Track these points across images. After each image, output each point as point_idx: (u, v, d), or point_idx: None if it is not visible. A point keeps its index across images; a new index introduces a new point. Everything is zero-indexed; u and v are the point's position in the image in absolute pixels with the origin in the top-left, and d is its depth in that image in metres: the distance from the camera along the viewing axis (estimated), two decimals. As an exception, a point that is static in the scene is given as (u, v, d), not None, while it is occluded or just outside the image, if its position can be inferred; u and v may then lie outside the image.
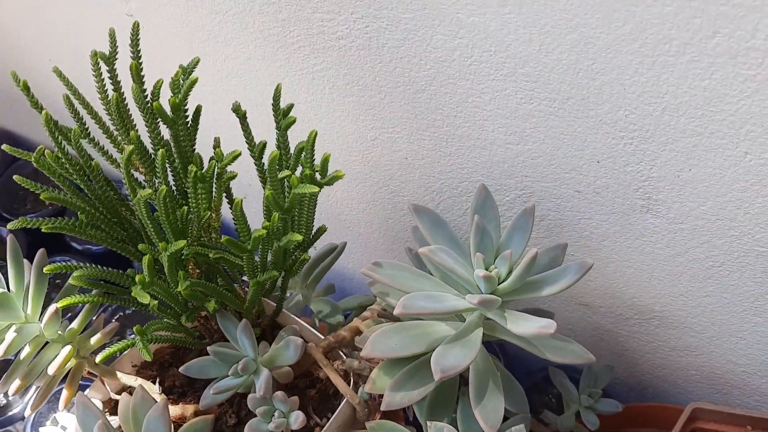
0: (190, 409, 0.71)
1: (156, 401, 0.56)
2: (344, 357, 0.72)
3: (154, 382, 0.73)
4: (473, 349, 0.57)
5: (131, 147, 0.56)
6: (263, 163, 0.64)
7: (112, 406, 0.75)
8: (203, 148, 0.67)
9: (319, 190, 0.53)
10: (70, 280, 0.61)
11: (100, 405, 0.67)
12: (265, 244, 0.59)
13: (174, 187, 0.65)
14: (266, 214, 0.61)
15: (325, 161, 0.56)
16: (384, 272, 0.60)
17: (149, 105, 0.62)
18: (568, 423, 0.80)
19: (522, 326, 0.55)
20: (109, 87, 0.63)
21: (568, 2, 0.50)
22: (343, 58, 0.69)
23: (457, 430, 0.65)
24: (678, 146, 0.56)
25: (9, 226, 0.60)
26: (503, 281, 0.58)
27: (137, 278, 0.51)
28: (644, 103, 0.54)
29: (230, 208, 0.62)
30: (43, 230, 0.58)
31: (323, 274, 0.83)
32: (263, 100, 0.83)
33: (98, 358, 0.61)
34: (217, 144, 0.68)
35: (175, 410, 0.71)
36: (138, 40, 0.59)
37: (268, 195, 0.51)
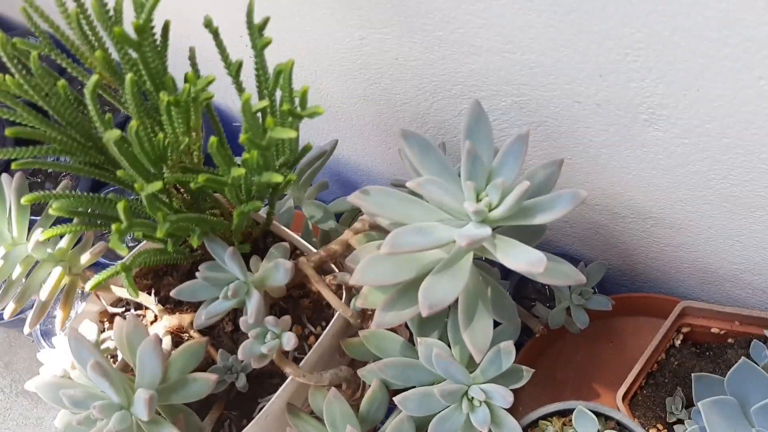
0: (186, 318, 0.73)
1: (148, 333, 0.57)
2: (336, 270, 0.72)
3: (149, 293, 0.74)
4: (462, 280, 0.56)
5: (95, 77, 0.52)
6: (241, 82, 0.60)
7: (109, 316, 0.76)
8: (180, 56, 0.63)
9: (297, 133, 0.50)
10: (50, 212, 0.59)
11: (94, 329, 0.68)
12: (246, 177, 0.56)
13: (148, 106, 0.62)
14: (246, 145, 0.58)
15: (304, 94, 0.51)
16: (371, 200, 0.58)
17: (112, 23, 0.57)
18: (558, 319, 0.82)
19: (512, 260, 0.54)
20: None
21: None
22: (324, -43, 0.62)
23: (448, 344, 0.67)
24: (687, 66, 0.52)
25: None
26: (495, 208, 0.57)
27: (114, 226, 0.49)
28: (653, 22, 0.49)
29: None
30: (13, 166, 0.56)
31: (314, 174, 0.81)
32: None
33: (88, 286, 0.61)
34: (192, 55, 0.63)
35: (171, 320, 0.72)
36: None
37: (244, 138, 0.47)
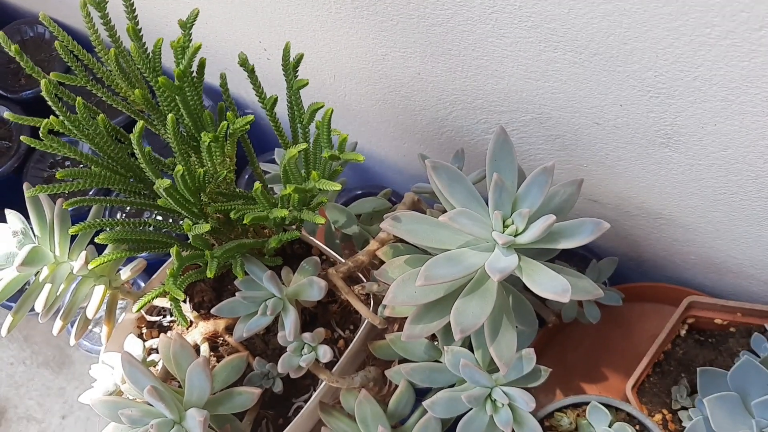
0: (221, 324, 0.77)
1: (197, 355, 0.61)
2: (363, 278, 0.75)
3: (183, 300, 0.78)
4: (490, 302, 0.60)
5: (141, 123, 0.54)
6: (275, 114, 0.62)
7: (146, 323, 0.80)
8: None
9: (341, 188, 0.53)
10: (96, 240, 0.62)
11: (140, 345, 0.72)
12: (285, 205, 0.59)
13: (184, 135, 0.64)
14: (284, 180, 0.60)
15: (343, 141, 0.54)
16: (403, 227, 0.62)
17: (150, 59, 0.58)
18: (570, 312, 0.87)
19: (538, 287, 0.57)
20: (105, 35, 0.59)
21: (605, -21, 0.46)
22: (351, -14, 0.63)
23: (470, 347, 0.71)
24: (706, 106, 0.54)
25: (28, 194, 0.60)
26: (520, 234, 0.60)
27: (168, 271, 0.52)
28: (676, 69, 0.52)
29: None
30: (64, 206, 0.58)
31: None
32: (264, 6, 0.77)
33: (135, 308, 0.64)
34: (223, 82, 0.65)
35: (207, 326, 0.76)
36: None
37: (290, 190, 0.50)
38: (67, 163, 1.17)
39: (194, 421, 0.59)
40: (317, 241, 0.76)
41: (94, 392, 0.68)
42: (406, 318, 0.68)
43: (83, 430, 1.56)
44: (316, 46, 0.79)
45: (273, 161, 0.99)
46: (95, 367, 0.69)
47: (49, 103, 0.57)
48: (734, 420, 0.70)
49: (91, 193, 1.05)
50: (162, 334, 0.67)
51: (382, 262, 0.74)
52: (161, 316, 0.79)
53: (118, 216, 1.13)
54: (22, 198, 1.17)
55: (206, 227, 0.54)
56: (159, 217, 1.12)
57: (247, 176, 1.15)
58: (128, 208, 1.14)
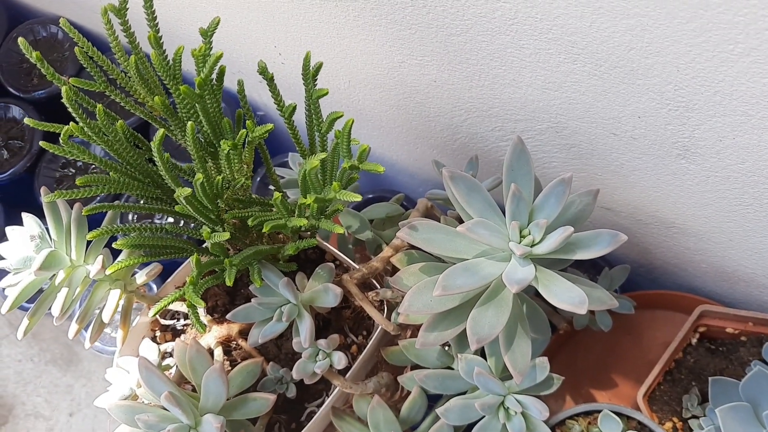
0: (234, 328, 0.77)
1: (213, 361, 0.61)
2: (376, 284, 0.75)
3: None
4: (506, 312, 0.61)
5: (161, 131, 0.54)
6: (293, 121, 0.62)
7: (160, 326, 0.80)
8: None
9: (361, 198, 0.53)
10: (114, 245, 0.63)
11: (155, 349, 0.72)
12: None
13: (202, 141, 0.64)
14: (303, 188, 0.60)
15: (363, 152, 0.54)
16: (420, 236, 0.62)
17: (170, 67, 0.59)
18: (582, 320, 0.87)
19: (555, 298, 0.58)
20: (124, 40, 0.59)
21: (630, -6, 0.46)
22: (371, -5, 0.63)
23: (483, 355, 0.71)
24: (725, 120, 0.55)
25: (46, 199, 0.61)
26: (537, 244, 0.60)
27: (188, 279, 0.53)
28: (697, 84, 0.52)
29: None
30: (84, 212, 0.59)
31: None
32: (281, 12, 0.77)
33: (151, 313, 0.65)
34: (241, 89, 0.66)
35: (220, 330, 0.77)
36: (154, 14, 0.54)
37: (311, 200, 0.51)
38: (79, 163, 1.17)
39: (211, 427, 0.59)
40: (331, 247, 0.76)
41: (110, 396, 0.68)
42: (419, 325, 0.68)
43: (90, 427, 1.57)
44: (332, 52, 0.79)
45: (284, 164, 1.00)
46: (110, 371, 0.69)
47: (70, 109, 0.57)
48: (746, 430, 0.70)
49: (99, 197, 1.06)
50: (178, 339, 0.68)
51: (395, 269, 0.74)
52: (175, 320, 0.79)
53: (129, 218, 1.13)
54: (34, 197, 1.18)
55: (226, 235, 0.54)
56: (170, 219, 1.13)
57: (258, 178, 1.15)
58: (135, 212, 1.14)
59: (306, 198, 0.56)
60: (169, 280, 0.78)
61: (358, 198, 0.49)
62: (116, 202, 0.99)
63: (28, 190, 1.18)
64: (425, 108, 0.82)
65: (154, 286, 1.11)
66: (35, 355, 1.66)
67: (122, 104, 0.65)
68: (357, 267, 0.74)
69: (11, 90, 1.21)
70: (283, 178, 0.80)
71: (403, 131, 0.93)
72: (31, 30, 1.25)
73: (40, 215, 0.72)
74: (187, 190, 0.53)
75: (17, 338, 1.67)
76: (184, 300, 0.74)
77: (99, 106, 0.56)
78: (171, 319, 0.80)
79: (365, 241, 0.83)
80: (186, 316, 0.80)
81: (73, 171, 1.18)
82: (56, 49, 1.24)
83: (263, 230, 0.56)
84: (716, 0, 0.43)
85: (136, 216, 1.14)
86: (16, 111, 1.20)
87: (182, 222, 1.05)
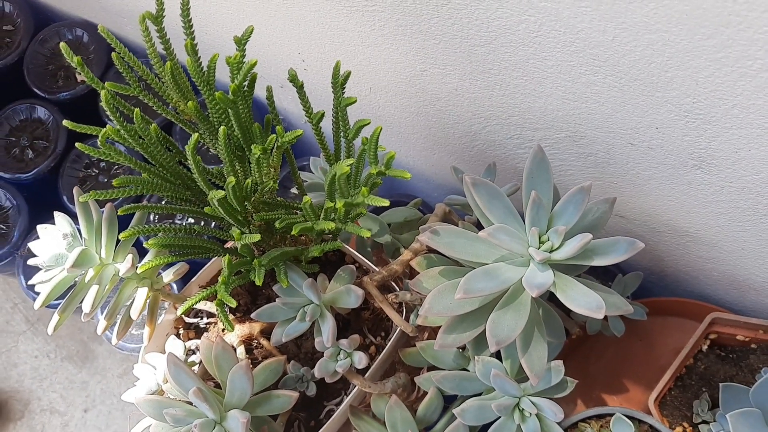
0: (256, 327, 0.79)
1: (238, 358, 0.63)
2: (397, 288, 0.77)
3: (234, 307, 0.80)
4: (524, 316, 0.62)
5: (196, 136, 0.57)
6: (320, 128, 0.64)
7: (184, 324, 0.82)
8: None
9: (389, 203, 0.55)
10: (144, 245, 0.65)
11: (180, 346, 0.74)
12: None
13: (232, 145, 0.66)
14: (329, 192, 0.62)
15: (390, 159, 0.56)
16: (441, 240, 0.64)
17: (204, 73, 0.61)
18: (595, 325, 0.88)
19: (573, 303, 0.59)
20: (160, 47, 0.61)
21: (653, 11, 0.48)
22: (398, 6, 0.65)
23: (499, 357, 0.73)
24: (741, 132, 0.56)
25: (81, 199, 0.63)
26: (555, 250, 0.62)
27: (220, 278, 0.55)
28: (715, 97, 0.53)
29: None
30: (120, 212, 0.61)
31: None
32: (306, 21, 0.80)
33: (180, 311, 0.67)
34: (270, 95, 0.68)
35: (243, 330, 0.79)
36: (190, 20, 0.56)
37: (341, 204, 0.53)
38: (102, 164, 1.20)
39: (236, 422, 0.61)
40: (351, 249, 0.78)
41: (137, 391, 0.70)
42: (436, 327, 0.70)
43: (105, 423, 1.59)
44: (355, 60, 0.81)
45: (303, 168, 1.02)
46: (137, 367, 0.71)
47: (108, 112, 0.59)
48: (756, 435, 0.71)
49: (122, 198, 1.08)
50: (203, 337, 0.70)
51: (413, 272, 0.76)
52: (198, 318, 0.81)
53: (151, 218, 1.16)
54: (58, 196, 1.21)
55: (257, 237, 0.56)
56: (191, 220, 1.15)
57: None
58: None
59: (333, 202, 0.58)
60: (193, 279, 0.80)
61: (386, 203, 0.51)
62: (140, 203, 1.01)
63: (52, 189, 1.21)
64: (445, 115, 0.84)
65: (174, 286, 1.13)
66: (51, 351, 1.69)
67: (154, 107, 0.67)
68: (377, 269, 0.76)
69: (37, 91, 1.24)
70: (305, 181, 0.82)
71: (421, 138, 0.95)
72: (57, 33, 1.28)
73: (65, 214, 0.74)
74: (221, 193, 0.55)
75: (32, 333, 1.70)
76: (210, 299, 0.77)
77: (136, 110, 0.59)
78: (194, 317, 0.82)
79: (384, 244, 0.85)
80: (209, 315, 0.82)
81: (96, 171, 1.20)
82: (81, 52, 1.27)
83: (292, 232, 0.58)
84: (737, 18, 0.44)
85: (157, 217, 1.17)
86: (41, 112, 1.23)
87: (202, 223, 1.07)
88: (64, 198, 1.20)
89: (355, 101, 0.59)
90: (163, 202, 0.69)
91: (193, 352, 0.77)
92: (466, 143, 0.88)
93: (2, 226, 1.25)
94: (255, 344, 0.80)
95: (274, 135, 0.60)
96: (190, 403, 0.65)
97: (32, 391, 1.65)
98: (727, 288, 0.92)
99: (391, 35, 0.71)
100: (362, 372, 0.74)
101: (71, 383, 1.65)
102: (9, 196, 1.23)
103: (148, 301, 0.72)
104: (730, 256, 0.82)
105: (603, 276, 0.95)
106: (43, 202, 1.22)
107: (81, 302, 0.71)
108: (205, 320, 0.82)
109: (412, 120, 0.90)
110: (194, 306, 0.80)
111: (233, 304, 0.57)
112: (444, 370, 0.75)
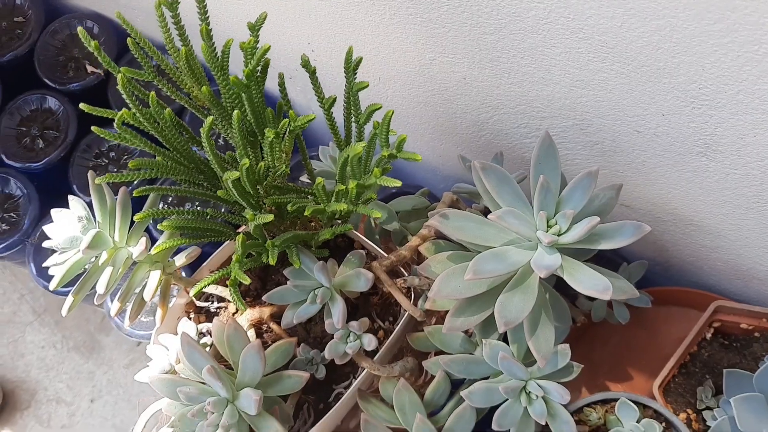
0: (266, 311, 0.80)
1: (247, 337, 0.64)
2: (404, 271, 0.79)
3: (248, 285, 0.81)
4: (532, 297, 0.64)
5: (210, 119, 0.58)
6: (332, 113, 0.66)
7: (195, 307, 0.84)
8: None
9: (401, 183, 0.56)
10: (158, 227, 0.66)
11: (193, 327, 0.75)
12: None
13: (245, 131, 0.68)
14: (341, 175, 0.64)
15: (402, 141, 0.57)
16: (450, 224, 0.65)
17: (218, 59, 0.62)
18: (600, 312, 0.89)
19: (580, 285, 0.61)
20: (177, 39, 0.63)
21: (660, -4, 0.49)
22: (409, -6, 0.67)
23: (506, 340, 0.74)
24: (746, 118, 0.57)
25: (96, 181, 0.64)
26: (563, 234, 0.63)
27: (234, 257, 0.56)
28: (721, 83, 0.55)
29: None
30: (135, 193, 0.62)
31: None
32: (317, 9, 0.81)
33: (192, 292, 0.68)
34: (281, 81, 0.69)
35: (253, 314, 0.80)
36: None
37: (353, 185, 0.54)
38: (112, 154, 1.21)
39: (249, 399, 0.63)
40: (360, 235, 0.80)
41: (150, 371, 0.72)
42: (444, 312, 0.71)
43: (111, 413, 1.60)
44: (364, 49, 0.83)
45: (311, 157, 1.03)
46: (150, 347, 0.73)
47: (124, 96, 0.61)
48: (759, 420, 0.72)
49: (136, 182, 1.10)
50: (215, 319, 0.71)
51: (421, 258, 0.77)
52: (209, 302, 0.82)
53: (160, 205, 1.17)
54: (69, 185, 1.22)
55: (270, 217, 0.57)
56: (200, 207, 1.16)
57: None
58: (170, 197, 1.18)
59: (345, 185, 0.59)
60: (204, 264, 0.82)
61: (399, 183, 0.53)
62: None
63: (63, 178, 1.22)
64: (453, 105, 0.85)
65: (184, 274, 1.14)
66: (58, 342, 1.70)
67: (168, 92, 0.68)
68: (385, 255, 0.78)
69: (48, 82, 1.25)
70: (315, 169, 0.84)
71: (429, 127, 0.96)
72: (67, 24, 1.29)
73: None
74: (235, 174, 0.56)
75: (38, 324, 1.71)
76: (221, 283, 0.78)
77: (151, 93, 0.60)
78: (205, 301, 0.83)
79: (392, 231, 0.86)
80: (220, 299, 0.83)
81: (106, 161, 1.22)
82: (91, 43, 1.28)
83: (305, 213, 0.59)
84: (743, 2, 0.46)
85: (166, 206, 1.18)
86: (52, 102, 1.24)
87: (211, 207, 1.08)
88: (74, 187, 1.21)
89: (368, 86, 0.60)
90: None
91: (204, 335, 0.78)
92: (473, 133, 0.89)
93: (13, 215, 1.26)
94: (265, 328, 0.81)
95: (287, 119, 0.61)
96: (203, 383, 0.66)
97: (39, 381, 1.67)
98: (730, 278, 0.93)
99: (401, 24, 0.73)
100: (371, 355, 0.75)
101: (78, 373, 1.67)
102: (20, 185, 1.25)
103: (160, 284, 0.73)
104: (734, 245, 0.83)
105: (608, 265, 0.95)
106: (53, 191, 1.23)
107: (94, 286, 0.73)
108: (216, 304, 0.83)
109: (420, 110, 0.91)
110: (204, 290, 0.82)
111: (247, 281, 0.58)
112: (451, 354, 0.76)
